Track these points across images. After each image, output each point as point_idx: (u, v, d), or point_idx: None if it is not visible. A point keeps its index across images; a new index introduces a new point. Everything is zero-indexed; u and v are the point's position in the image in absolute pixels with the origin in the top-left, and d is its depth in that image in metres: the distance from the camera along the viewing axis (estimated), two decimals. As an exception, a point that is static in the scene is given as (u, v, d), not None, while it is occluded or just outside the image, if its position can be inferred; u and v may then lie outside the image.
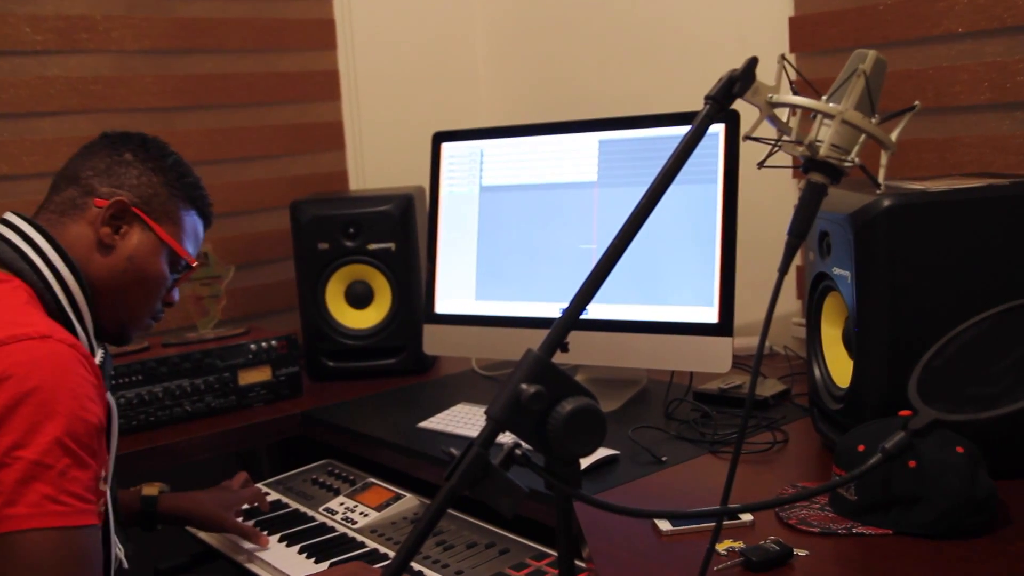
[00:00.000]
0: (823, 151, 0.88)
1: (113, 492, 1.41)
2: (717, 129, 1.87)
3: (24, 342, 1.20)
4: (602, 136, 2.00)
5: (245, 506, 1.85)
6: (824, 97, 0.90)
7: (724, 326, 1.82)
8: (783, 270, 0.90)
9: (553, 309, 2.02)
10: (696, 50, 2.42)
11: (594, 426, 0.81)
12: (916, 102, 0.91)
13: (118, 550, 1.44)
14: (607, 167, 1.99)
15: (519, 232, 2.09)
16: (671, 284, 1.88)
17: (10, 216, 1.42)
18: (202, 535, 1.84)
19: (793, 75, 0.92)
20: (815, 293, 1.68)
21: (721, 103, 0.86)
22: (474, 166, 2.17)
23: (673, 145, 1.89)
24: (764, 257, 2.12)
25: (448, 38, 2.96)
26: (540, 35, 2.83)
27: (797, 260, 2.26)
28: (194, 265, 1.59)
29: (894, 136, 0.91)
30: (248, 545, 1.74)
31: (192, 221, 1.58)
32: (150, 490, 1.78)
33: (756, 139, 0.93)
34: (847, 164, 0.89)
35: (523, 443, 0.83)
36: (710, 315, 1.84)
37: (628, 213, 1.94)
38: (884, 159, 0.92)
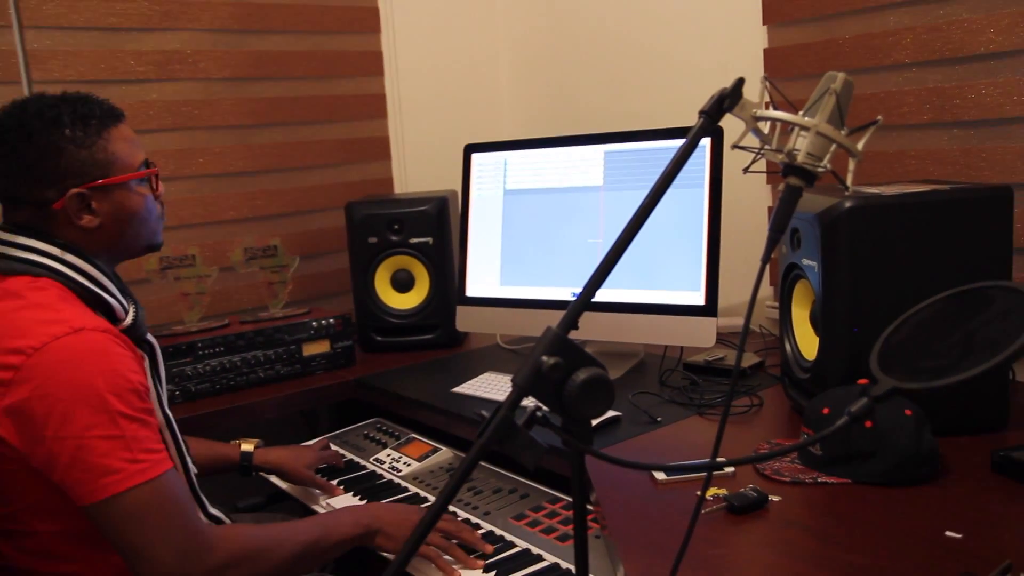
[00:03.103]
0: (800, 158, 0.86)
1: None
2: (704, 142, 1.84)
3: (62, 339, 1.17)
4: (607, 148, 1.98)
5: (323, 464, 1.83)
6: (801, 112, 0.88)
7: (709, 308, 1.80)
8: (766, 259, 0.88)
9: (565, 293, 2.00)
10: (685, 75, 2.40)
11: (604, 392, 0.80)
12: (879, 117, 0.89)
13: (189, 460, 1.43)
14: (611, 174, 1.97)
15: (537, 228, 2.07)
16: (664, 272, 1.85)
17: (11, 236, 1.30)
18: (273, 479, 1.83)
19: (774, 94, 0.90)
20: (787, 280, 1.66)
21: (713, 117, 0.84)
22: (499, 173, 2.15)
23: (667, 155, 1.88)
24: (741, 250, 2.11)
25: (476, 65, 2.94)
26: (554, 62, 2.81)
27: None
28: (153, 165, 1.40)
29: (860, 146, 0.88)
30: (324, 499, 1.73)
31: (115, 138, 1.33)
32: (247, 445, 1.77)
33: (743, 148, 0.90)
34: (820, 169, 0.86)
35: (543, 406, 0.81)
36: (697, 298, 1.81)
37: (629, 213, 1.93)
38: (852, 165, 0.89)
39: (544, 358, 0.78)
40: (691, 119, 1.89)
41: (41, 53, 2.16)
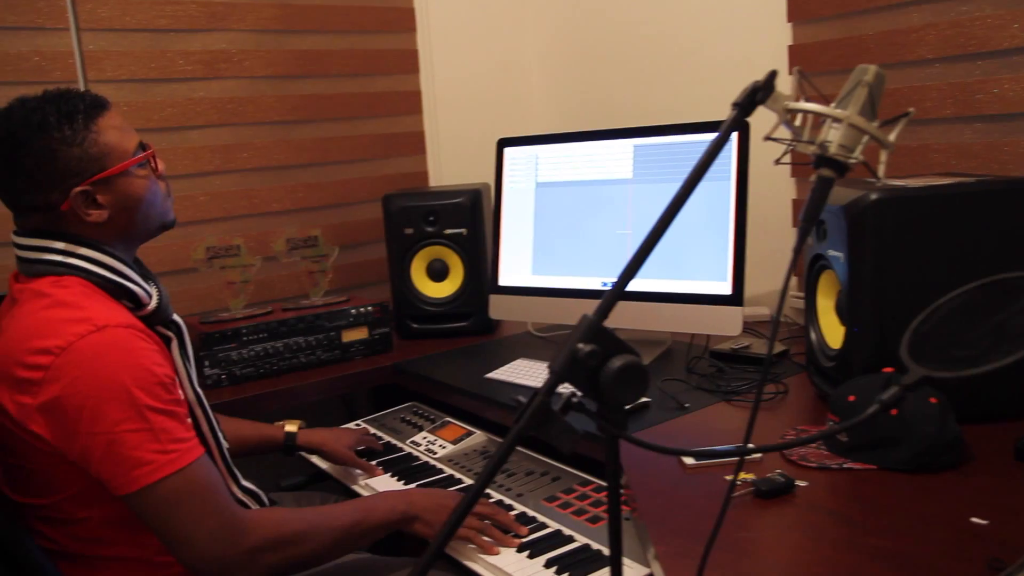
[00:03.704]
0: (832, 150, 0.84)
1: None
2: (731, 136, 1.81)
3: (87, 338, 1.15)
4: (636, 142, 1.95)
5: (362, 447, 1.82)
6: (832, 104, 0.85)
7: (736, 297, 1.78)
8: (797, 249, 0.86)
9: (595, 282, 1.98)
10: (712, 71, 2.36)
11: (639, 379, 0.78)
12: (911, 108, 0.86)
13: (221, 436, 1.42)
14: (640, 167, 1.95)
15: (567, 220, 2.06)
16: (692, 262, 1.83)
17: (28, 240, 1.28)
18: (314, 459, 1.84)
19: (806, 87, 0.87)
20: (812, 271, 1.63)
21: (745, 109, 0.82)
22: (531, 166, 2.13)
23: (694, 149, 1.87)
24: (765, 241, 2.07)
25: (508, 63, 2.92)
26: (583, 59, 2.78)
27: (794, 243, 2.22)
28: (148, 146, 1.35)
29: (892, 137, 0.86)
30: (363, 479, 1.72)
31: (104, 128, 1.28)
32: (291, 427, 1.77)
33: (774, 139, 0.88)
34: (852, 161, 0.84)
35: (578, 392, 0.80)
36: (724, 288, 1.79)
37: (658, 205, 1.90)
38: (883, 157, 0.87)
39: (580, 345, 0.77)
40: (717, 114, 1.87)
41: (96, 54, 2.17)
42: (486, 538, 1.37)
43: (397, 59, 2.68)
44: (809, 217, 0.85)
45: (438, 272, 2.35)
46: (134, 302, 1.29)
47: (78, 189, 1.25)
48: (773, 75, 0.81)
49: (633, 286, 1.94)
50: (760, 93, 0.81)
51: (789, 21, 2.12)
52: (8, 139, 1.23)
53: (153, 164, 1.36)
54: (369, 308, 2.22)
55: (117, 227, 1.31)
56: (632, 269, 0.81)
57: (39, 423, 1.15)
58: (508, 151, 2.18)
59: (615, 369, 0.77)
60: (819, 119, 0.86)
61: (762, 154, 1.83)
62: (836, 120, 0.84)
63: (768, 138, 0.89)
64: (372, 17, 2.60)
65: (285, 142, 2.49)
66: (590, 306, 0.79)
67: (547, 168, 2.11)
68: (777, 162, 0.90)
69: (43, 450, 1.17)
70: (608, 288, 1.91)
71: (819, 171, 0.85)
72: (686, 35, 2.42)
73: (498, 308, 2.18)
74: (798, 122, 0.88)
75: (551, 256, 2.08)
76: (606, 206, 1.99)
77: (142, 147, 1.34)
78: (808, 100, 0.86)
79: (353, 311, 2.19)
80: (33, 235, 1.27)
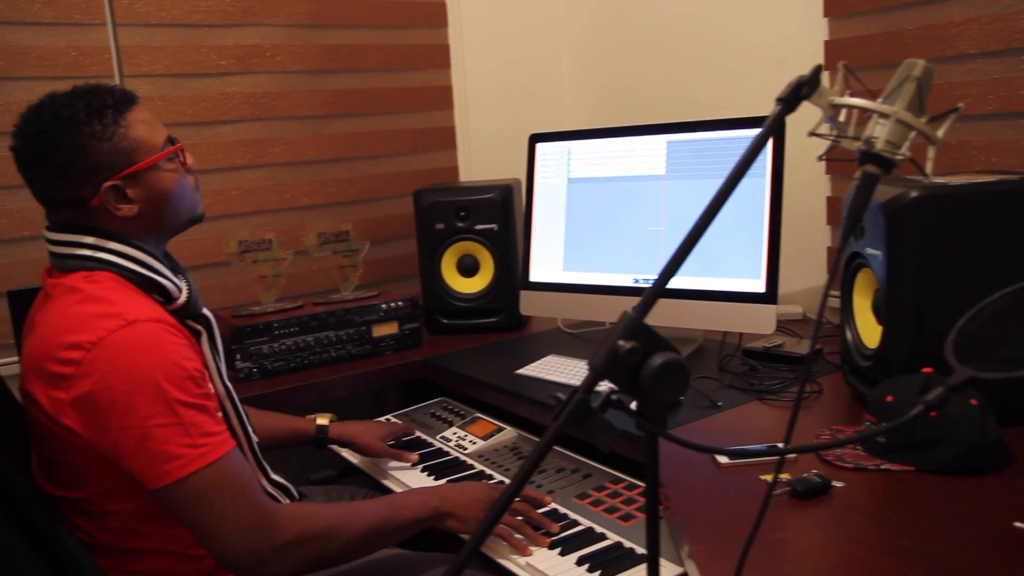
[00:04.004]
0: (879, 146, 0.82)
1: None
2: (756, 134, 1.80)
3: (117, 333, 1.16)
4: (670, 138, 1.94)
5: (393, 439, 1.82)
6: (879, 99, 0.84)
7: (770, 295, 1.76)
8: (842, 248, 0.84)
9: (627, 279, 1.97)
10: (746, 67, 2.34)
11: (680, 377, 0.77)
12: (960, 104, 0.84)
13: (251, 429, 1.43)
14: (673, 163, 1.93)
15: (599, 216, 2.04)
16: (726, 260, 1.81)
17: (60, 235, 1.28)
18: (345, 454, 1.84)
19: (852, 82, 0.86)
20: (849, 269, 1.61)
21: (790, 104, 0.80)
22: (563, 162, 2.12)
23: (728, 145, 1.85)
24: (797, 238, 2.05)
25: (539, 58, 2.91)
26: (615, 54, 2.77)
27: (828, 241, 2.19)
28: (176, 140, 1.35)
29: (940, 133, 0.84)
30: (391, 464, 1.73)
31: (133, 123, 1.28)
32: (323, 420, 1.77)
33: (819, 135, 0.87)
34: (898, 157, 0.82)
35: (617, 390, 0.79)
36: (758, 286, 1.77)
37: (691, 202, 1.90)
38: (931, 153, 0.85)
39: (621, 342, 0.76)
40: (752, 110, 1.87)
41: (132, 49, 2.19)
42: (519, 536, 1.36)
43: (428, 54, 2.67)
44: (854, 214, 0.83)
45: (468, 267, 2.34)
46: (164, 296, 1.30)
47: (108, 184, 1.26)
48: (819, 70, 0.80)
49: (667, 283, 1.93)
50: (805, 88, 0.80)
51: (825, 16, 2.09)
52: (39, 135, 1.23)
53: (182, 158, 1.36)
54: (399, 303, 2.22)
55: (147, 221, 1.32)
56: (674, 266, 0.80)
57: (72, 417, 1.16)
58: (540, 146, 2.17)
59: (656, 366, 0.76)
60: (864, 115, 0.85)
61: (796, 150, 1.82)
62: (883, 116, 0.82)
63: (812, 134, 0.88)
64: (404, 12, 2.60)
65: (317, 137, 2.50)
66: (621, 303, 0.78)
67: (579, 164, 2.10)
68: (820, 158, 0.89)
69: (76, 444, 1.18)
70: (639, 284, 1.91)
71: (864, 167, 0.84)
72: (720, 30, 2.40)
73: (529, 304, 2.17)
74: (842, 117, 0.87)
75: (582, 252, 2.07)
76: (638, 202, 1.97)
77: (171, 141, 1.34)
78: (853, 95, 0.85)
79: (383, 306, 2.20)
80: (64, 230, 1.28)
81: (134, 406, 1.14)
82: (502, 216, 2.28)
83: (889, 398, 1.33)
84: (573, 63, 2.94)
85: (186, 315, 1.32)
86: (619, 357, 0.76)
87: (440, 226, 2.31)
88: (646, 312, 0.78)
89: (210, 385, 1.27)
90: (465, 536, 1.41)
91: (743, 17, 2.33)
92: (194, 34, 2.28)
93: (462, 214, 2.30)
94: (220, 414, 1.26)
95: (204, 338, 1.35)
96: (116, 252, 1.27)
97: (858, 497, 1.21)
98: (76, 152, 1.23)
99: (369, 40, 2.56)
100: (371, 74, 2.58)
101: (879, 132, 0.82)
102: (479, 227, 2.29)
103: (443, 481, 1.63)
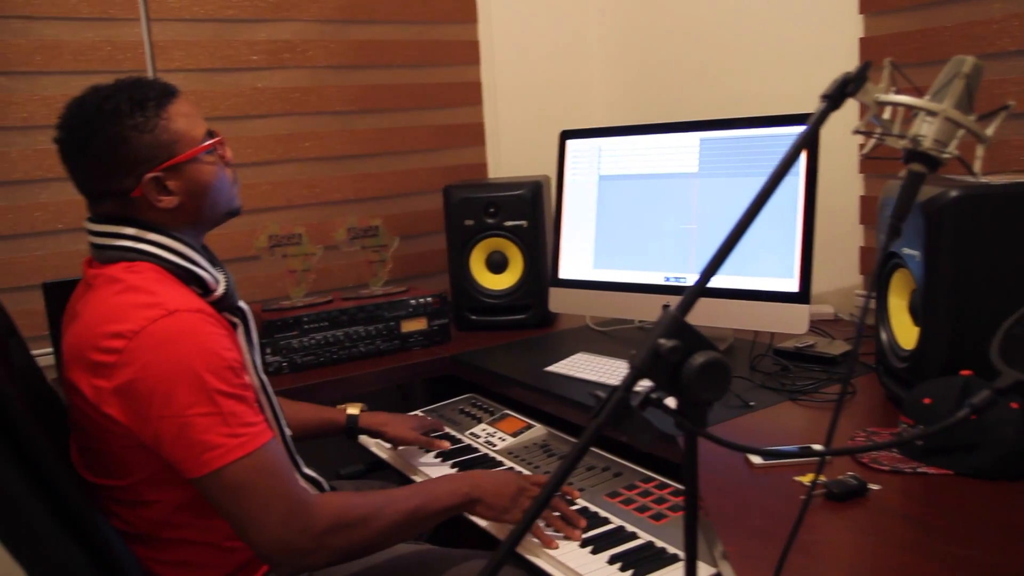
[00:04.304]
0: (927, 144, 0.81)
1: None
2: (801, 131, 1.77)
3: (158, 322, 1.16)
4: (703, 135, 1.92)
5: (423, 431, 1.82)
6: (927, 96, 0.82)
7: (803, 295, 1.75)
8: (886, 247, 0.83)
9: (657, 277, 1.96)
10: (779, 64, 2.32)
11: (721, 376, 0.76)
12: (1011, 102, 0.83)
13: (284, 423, 1.44)
14: (706, 161, 1.92)
15: (630, 213, 2.03)
16: (758, 258, 1.79)
17: (101, 227, 1.29)
18: (374, 449, 1.85)
19: (898, 79, 0.84)
20: (884, 269, 1.59)
21: (835, 101, 0.79)
22: (594, 159, 2.11)
23: (763, 143, 1.84)
24: (829, 238, 2.03)
25: (569, 54, 2.90)
26: (646, 51, 2.75)
27: (860, 241, 2.17)
28: (216, 134, 1.35)
29: (990, 131, 0.82)
30: (420, 459, 1.73)
31: (174, 115, 1.29)
32: (353, 409, 1.78)
33: (863, 132, 0.86)
34: (946, 156, 0.81)
35: (657, 388, 0.78)
36: (791, 285, 1.76)
37: (724, 200, 1.88)
38: (980, 151, 0.84)
39: (662, 341, 0.75)
40: (785, 107, 1.84)
41: (164, 43, 2.21)
42: (549, 531, 1.36)
43: (458, 50, 2.67)
44: (899, 213, 0.82)
45: (497, 264, 2.34)
46: (202, 288, 1.31)
47: (149, 175, 1.27)
48: (866, 66, 0.79)
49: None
50: (852, 85, 0.78)
51: (861, 12, 2.07)
52: (83, 126, 1.25)
53: (221, 151, 1.37)
54: (428, 299, 2.22)
55: (186, 213, 1.33)
56: (715, 264, 0.79)
57: (113, 406, 1.17)
58: (571, 143, 2.16)
59: (698, 365, 0.75)
60: (910, 112, 0.83)
61: (827, 148, 1.80)
62: (930, 113, 0.81)
63: (857, 131, 0.86)
64: (434, 8, 2.60)
65: (347, 132, 2.51)
66: (652, 301, 0.78)
67: (610, 161, 2.08)
68: (865, 156, 0.88)
69: (117, 433, 1.20)
70: (670, 283, 1.90)
71: (909, 166, 0.82)
72: (753, 26, 2.38)
73: (558, 301, 2.17)
74: (886, 115, 0.85)
75: (613, 250, 2.06)
76: (670, 200, 1.96)
77: (210, 135, 1.35)
78: (898, 92, 0.83)
79: (412, 301, 2.20)
80: (105, 221, 1.30)
81: (174, 395, 1.14)
82: (531, 213, 2.28)
83: (927, 400, 1.31)
84: (603, 59, 2.92)
85: (223, 307, 1.33)
86: (661, 355, 0.75)
87: (469, 222, 2.31)
88: (688, 310, 0.78)
89: (248, 376, 1.28)
90: (483, 523, 1.42)
91: (777, 13, 2.31)
92: (226, 29, 2.29)
93: (491, 210, 2.29)
94: (257, 405, 1.27)
95: (240, 330, 1.36)
96: (156, 243, 1.29)
97: (895, 500, 1.19)
98: (119, 143, 1.25)
99: (399, 36, 2.57)
100: (401, 70, 2.58)
101: (926, 130, 0.81)
102: (508, 223, 2.29)
103: (473, 474, 1.63)
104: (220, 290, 1.33)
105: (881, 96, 0.82)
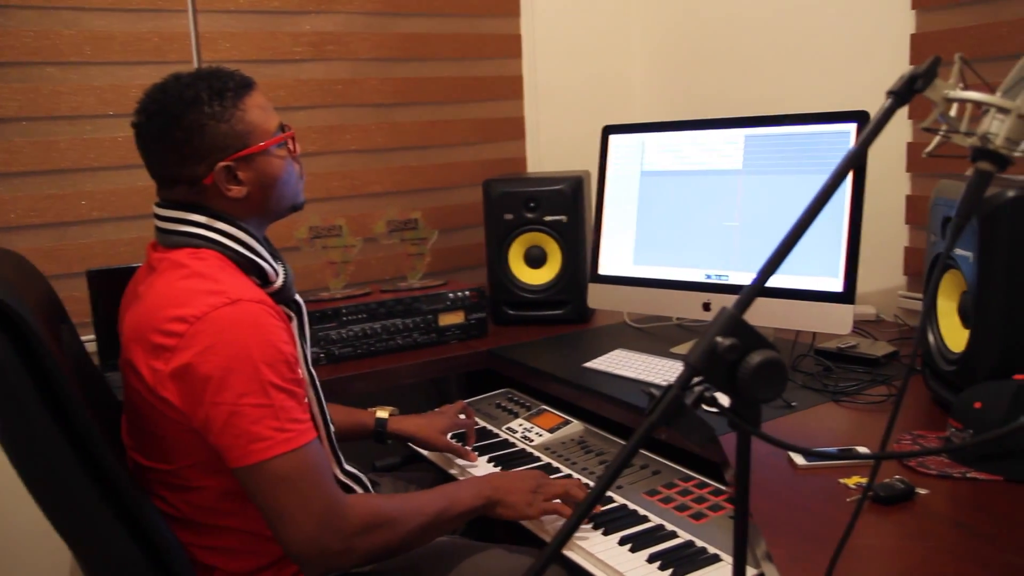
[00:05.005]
0: (998, 142, 0.78)
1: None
2: (848, 128, 1.75)
3: (221, 310, 1.18)
4: (748, 132, 1.90)
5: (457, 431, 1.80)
6: (998, 93, 0.80)
7: (847, 295, 1.72)
8: (949, 247, 0.81)
9: (699, 274, 1.94)
10: (827, 60, 2.28)
11: (778, 375, 0.75)
12: (1083, 100, 0.80)
13: (329, 417, 1.44)
14: (751, 158, 1.89)
15: (672, 210, 2.01)
16: (803, 257, 1.77)
17: (169, 212, 1.31)
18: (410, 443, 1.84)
19: (968, 75, 0.82)
20: (934, 270, 1.56)
21: (902, 97, 0.77)
22: (637, 154, 2.09)
23: (808, 140, 1.81)
24: (874, 238, 1.99)
25: (611, 49, 2.88)
26: (689, 46, 2.72)
27: (905, 241, 2.12)
28: (287, 127, 1.38)
29: (1061, 130, 0.80)
30: (460, 461, 1.72)
31: (250, 107, 1.32)
32: (382, 413, 1.77)
33: (930, 130, 0.83)
34: (1017, 154, 0.78)
35: (710, 387, 0.77)
36: (835, 285, 1.73)
37: (768, 197, 1.85)
38: (1049, 150, 0.81)
39: (719, 339, 0.74)
40: (831, 104, 1.81)
41: (211, 35, 2.22)
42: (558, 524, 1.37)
43: (500, 44, 2.66)
44: (965, 212, 0.80)
45: (536, 259, 2.33)
46: (262, 279, 1.32)
47: (222, 164, 1.29)
48: (936, 62, 0.77)
49: (741, 280, 1.91)
50: (920, 81, 0.76)
51: (913, 8, 2.02)
52: (163, 112, 1.27)
53: (291, 145, 1.39)
54: (466, 293, 2.21)
55: (253, 204, 1.34)
56: (774, 264, 0.78)
57: (170, 389, 1.18)
58: (613, 138, 2.14)
59: (755, 364, 0.74)
60: (978, 109, 0.81)
61: (875, 146, 1.76)
62: (1001, 110, 0.78)
63: (925, 128, 0.84)
64: (477, 1, 2.60)
65: (388, 125, 2.51)
66: (693, 298, 0.76)
67: (653, 156, 2.06)
68: (929, 154, 0.85)
69: (171, 416, 1.21)
70: (712, 280, 1.88)
71: (977, 164, 0.80)
72: (799, 21, 2.34)
73: (597, 297, 2.15)
74: (953, 112, 0.83)
75: (654, 246, 2.04)
76: (713, 197, 1.94)
77: (282, 128, 1.37)
78: (967, 89, 0.81)
79: (450, 295, 2.20)
80: (174, 207, 1.31)
81: (229, 382, 1.15)
82: (571, 208, 2.26)
83: (977, 404, 1.28)
84: (645, 54, 2.90)
85: (280, 300, 1.34)
86: (717, 354, 0.74)
87: (509, 216, 2.30)
88: (745, 309, 0.76)
89: (300, 371, 1.28)
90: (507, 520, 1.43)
91: (824, 7, 2.27)
92: (271, 21, 2.30)
93: (531, 205, 2.28)
94: (306, 401, 1.27)
95: (295, 323, 1.37)
96: (223, 232, 1.30)
97: (944, 506, 1.17)
98: (195, 131, 1.27)
99: (442, 29, 2.56)
100: (443, 63, 2.58)
101: (997, 128, 0.79)
102: (548, 218, 2.27)
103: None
104: (279, 282, 1.34)
105: (951, 93, 0.80)
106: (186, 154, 1.28)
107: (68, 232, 2.12)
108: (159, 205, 1.33)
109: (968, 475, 1.24)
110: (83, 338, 2.01)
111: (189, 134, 1.27)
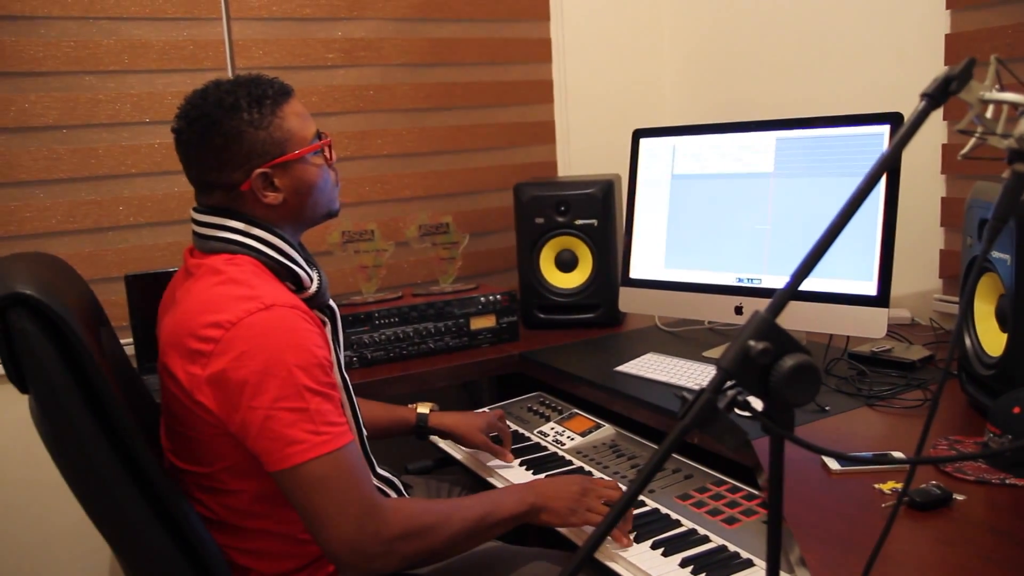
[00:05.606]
0: (1035, 144, 0.77)
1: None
2: (882, 130, 1.73)
3: (256, 315, 1.19)
4: (779, 134, 1.88)
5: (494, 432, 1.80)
6: (1035, 95, 0.79)
7: (882, 298, 1.70)
8: (986, 251, 0.80)
9: (730, 278, 1.93)
10: (859, 61, 2.26)
11: (812, 379, 0.75)
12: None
13: (362, 424, 1.45)
14: (782, 160, 1.88)
15: (703, 213, 2.01)
16: (836, 260, 1.75)
17: (206, 217, 1.33)
18: (442, 445, 1.85)
19: (1005, 76, 0.81)
20: (970, 273, 1.54)
21: (937, 99, 0.77)
22: (667, 158, 2.09)
23: (841, 143, 1.79)
24: (908, 240, 1.97)
25: (641, 53, 2.88)
26: (720, 49, 2.71)
27: (940, 244, 2.10)
28: (324, 135, 1.39)
29: (1101, 132, 0.79)
30: (493, 461, 1.72)
31: (288, 114, 1.33)
32: (423, 408, 1.78)
33: (966, 132, 0.83)
34: (1054, 157, 0.78)
35: (742, 390, 0.77)
36: (869, 288, 1.71)
37: (799, 200, 1.84)
38: (1088, 153, 0.80)
39: (752, 343, 0.74)
40: (863, 107, 1.79)
41: (244, 42, 2.25)
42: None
43: (530, 48, 2.67)
44: (1001, 215, 0.79)
45: (567, 263, 2.33)
46: (296, 284, 1.34)
47: (260, 170, 1.30)
48: (971, 63, 0.76)
49: (773, 283, 1.90)
50: (955, 83, 0.76)
51: (948, 8, 2.00)
52: (203, 118, 1.29)
53: (327, 153, 1.40)
54: (498, 296, 2.22)
55: (289, 210, 1.36)
56: (808, 267, 0.77)
57: (206, 394, 1.20)
58: (644, 142, 2.14)
59: (788, 368, 0.74)
60: (1015, 111, 0.80)
61: (909, 148, 1.74)
62: (1039, 112, 0.77)
63: (960, 131, 0.83)
64: (506, 6, 2.61)
65: (418, 129, 2.53)
66: (724, 302, 0.76)
67: (684, 160, 2.06)
68: (965, 156, 0.85)
69: (207, 420, 1.22)
70: (743, 284, 1.87)
71: (1014, 166, 0.79)
72: (833, 22, 2.33)
73: (628, 301, 2.15)
74: (989, 114, 0.82)
75: (685, 250, 2.03)
76: (744, 200, 1.93)
77: (319, 136, 1.38)
78: (1003, 90, 0.80)
79: (482, 299, 2.21)
80: (212, 213, 1.33)
81: (265, 387, 1.16)
82: (602, 211, 2.26)
83: (1016, 409, 1.26)
84: (675, 58, 2.89)
85: (314, 305, 1.36)
86: (750, 358, 0.74)
87: (540, 220, 2.30)
88: (778, 313, 0.76)
89: (335, 375, 1.29)
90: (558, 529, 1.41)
91: (857, 7, 2.25)
92: (304, 27, 2.33)
93: (562, 208, 2.28)
94: (341, 405, 1.28)
95: (328, 328, 1.38)
96: (259, 239, 1.32)
97: (982, 512, 1.15)
98: (234, 137, 1.28)
99: (472, 34, 2.57)
100: (473, 67, 2.59)
101: (1034, 130, 0.78)
102: (579, 222, 2.27)
103: (542, 476, 1.62)
104: (313, 288, 1.36)
105: (986, 94, 0.79)
106: (224, 160, 1.29)
107: (106, 237, 2.16)
108: (197, 211, 1.35)
109: (1007, 481, 1.23)
110: (121, 341, 2.06)
111: (228, 140, 1.28)
